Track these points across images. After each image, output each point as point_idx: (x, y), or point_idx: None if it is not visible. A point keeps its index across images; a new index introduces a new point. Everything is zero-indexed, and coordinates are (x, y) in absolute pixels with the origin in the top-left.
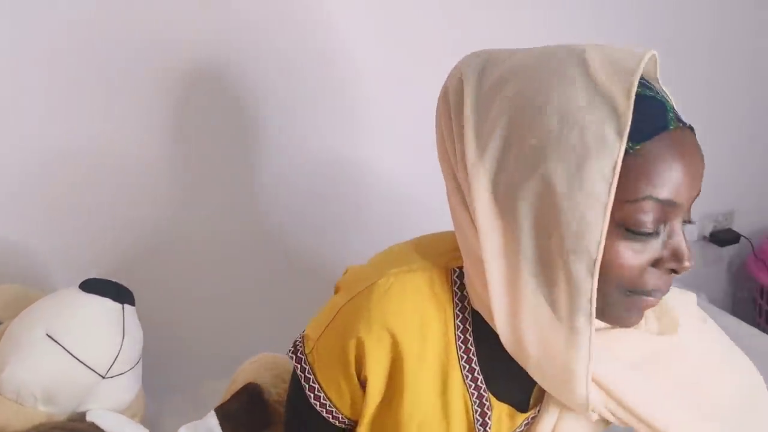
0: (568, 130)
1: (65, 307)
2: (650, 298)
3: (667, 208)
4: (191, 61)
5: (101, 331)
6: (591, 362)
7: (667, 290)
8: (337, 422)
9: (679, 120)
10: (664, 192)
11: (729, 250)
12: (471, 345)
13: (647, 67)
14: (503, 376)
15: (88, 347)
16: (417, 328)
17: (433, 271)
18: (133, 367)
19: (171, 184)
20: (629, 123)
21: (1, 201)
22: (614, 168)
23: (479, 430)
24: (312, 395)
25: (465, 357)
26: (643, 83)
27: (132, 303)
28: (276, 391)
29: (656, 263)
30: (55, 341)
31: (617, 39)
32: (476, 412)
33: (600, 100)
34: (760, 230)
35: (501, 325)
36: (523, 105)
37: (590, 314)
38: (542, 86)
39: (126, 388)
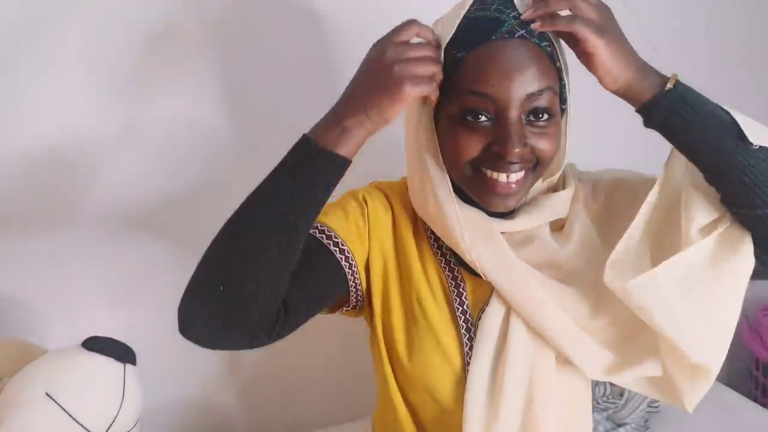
0: None
1: (66, 366)
2: (492, 175)
3: (489, 100)
4: None
5: (100, 392)
6: (463, 228)
7: (506, 173)
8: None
9: (510, 32)
10: (480, 86)
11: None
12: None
13: None
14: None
15: (86, 408)
16: (399, 212)
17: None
18: (130, 430)
19: None
20: (446, 38)
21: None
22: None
23: (455, 300)
24: (323, 236)
25: (436, 245)
26: (485, 7)
27: (134, 362)
28: None
29: (489, 147)
30: (54, 400)
31: None
32: (450, 284)
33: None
34: (755, 302)
35: (412, 196)
36: None
37: (447, 189)
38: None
39: None
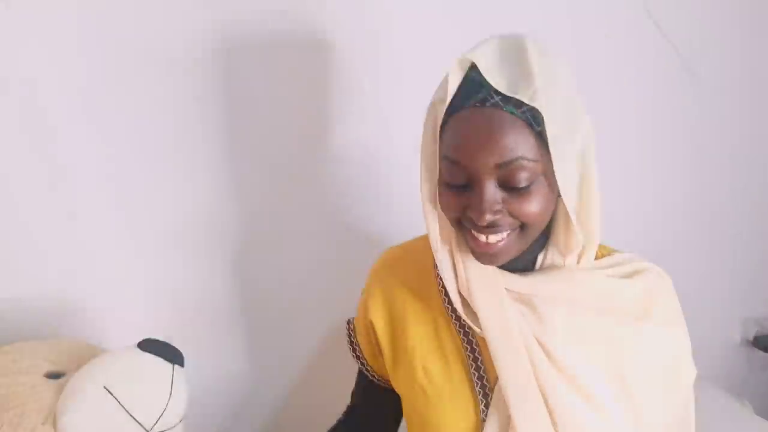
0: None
1: (122, 363)
2: (476, 234)
3: (462, 167)
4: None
5: (151, 388)
6: (452, 276)
7: (484, 235)
8: (370, 376)
9: (482, 100)
10: (451, 154)
11: None
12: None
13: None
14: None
15: (138, 402)
16: (403, 283)
17: (419, 240)
18: (176, 425)
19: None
20: (445, 102)
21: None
22: (434, 130)
23: (470, 363)
24: (353, 352)
25: (447, 299)
26: (476, 70)
27: (182, 364)
28: None
29: (465, 210)
30: (111, 393)
31: None
32: (467, 348)
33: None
34: None
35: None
36: None
37: (436, 237)
38: None
39: None
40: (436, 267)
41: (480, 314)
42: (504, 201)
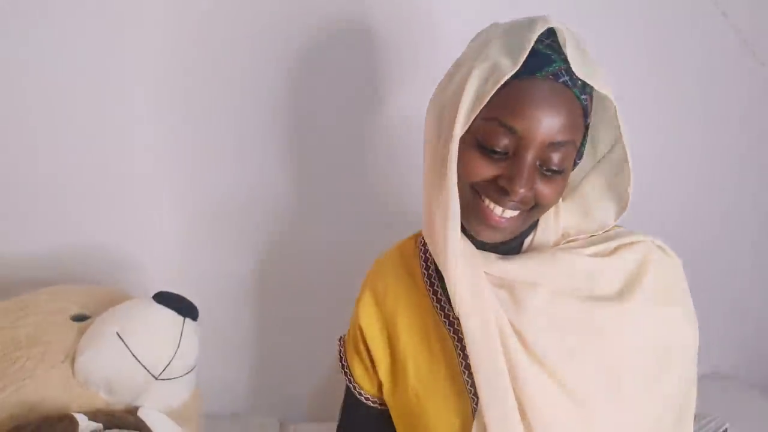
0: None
1: (137, 313)
2: (489, 204)
3: (514, 134)
4: None
5: (159, 339)
6: (457, 264)
7: (502, 208)
8: (363, 399)
9: (556, 74)
10: (507, 118)
11: None
12: (437, 287)
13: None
14: None
15: (146, 351)
16: (390, 287)
17: (404, 243)
18: (183, 375)
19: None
20: (518, 61)
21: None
22: (479, 91)
23: (459, 354)
24: (342, 369)
25: (435, 298)
26: (549, 41)
27: (194, 318)
28: None
29: (496, 179)
30: (122, 340)
31: None
32: (457, 347)
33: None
34: None
35: (424, 227)
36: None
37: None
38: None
39: (174, 392)
40: (423, 268)
41: (456, 297)
42: (533, 182)
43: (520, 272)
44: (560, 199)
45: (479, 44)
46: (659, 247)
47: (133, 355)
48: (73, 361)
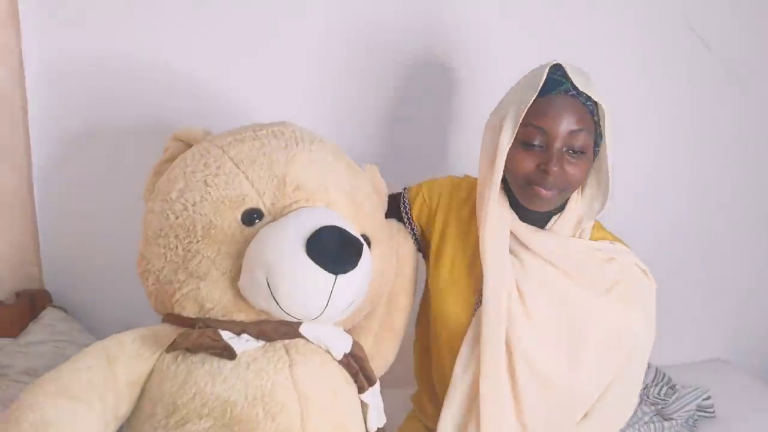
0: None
1: (285, 266)
2: (537, 188)
3: (542, 133)
4: None
5: (308, 296)
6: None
7: (546, 186)
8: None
9: (566, 90)
10: (537, 121)
11: None
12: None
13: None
14: None
15: (295, 306)
16: (444, 197)
17: (453, 180)
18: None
19: None
20: (537, 89)
21: None
22: (519, 108)
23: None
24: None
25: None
26: (559, 73)
27: (346, 271)
28: None
29: (538, 166)
30: (271, 292)
31: None
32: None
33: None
34: None
35: (478, 196)
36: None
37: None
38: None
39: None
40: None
41: (483, 237)
42: (562, 163)
43: (536, 238)
44: (610, 182)
45: (514, 87)
46: (643, 270)
47: (281, 308)
48: (236, 275)
